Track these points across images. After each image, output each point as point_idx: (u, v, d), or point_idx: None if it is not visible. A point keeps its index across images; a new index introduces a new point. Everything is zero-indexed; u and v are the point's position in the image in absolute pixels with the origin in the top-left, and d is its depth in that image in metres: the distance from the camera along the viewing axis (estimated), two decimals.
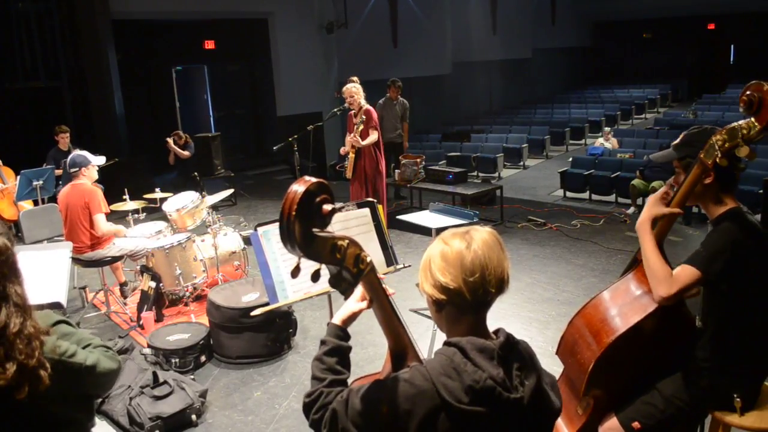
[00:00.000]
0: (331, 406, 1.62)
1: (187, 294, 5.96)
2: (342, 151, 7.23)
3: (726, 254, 2.31)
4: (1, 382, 1.54)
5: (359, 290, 1.82)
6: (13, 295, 1.62)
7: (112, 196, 6.67)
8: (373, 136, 6.90)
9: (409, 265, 3.93)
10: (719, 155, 2.30)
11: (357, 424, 1.57)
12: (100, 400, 4.21)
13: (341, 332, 1.79)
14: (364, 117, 6.85)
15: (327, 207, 1.51)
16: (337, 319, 1.81)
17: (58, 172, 8.38)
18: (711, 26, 25.25)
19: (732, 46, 26.06)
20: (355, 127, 6.88)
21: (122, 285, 6.33)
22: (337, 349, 1.75)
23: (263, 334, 4.90)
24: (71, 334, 1.86)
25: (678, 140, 2.59)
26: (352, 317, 1.82)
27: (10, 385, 1.55)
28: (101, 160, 5.89)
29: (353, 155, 6.99)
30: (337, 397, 1.64)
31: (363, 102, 6.97)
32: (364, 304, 1.81)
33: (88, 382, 1.75)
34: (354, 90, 6.91)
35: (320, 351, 1.77)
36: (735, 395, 2.44)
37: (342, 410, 1.60)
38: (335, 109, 7.36)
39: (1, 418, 1.61)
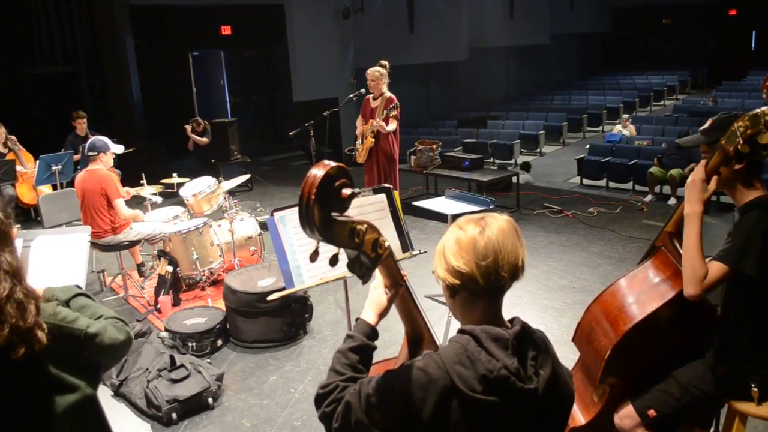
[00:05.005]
0: (344, 399, 1.61)
1: (204, 278, 6.00)
2: (358, 132, 7.17)
3: (757, 244, 2.28)
4: None
5: (380, 279, 1.81)
6: (3, 262, 1.68)
7: (129, 181, 6.71)
8: (393, 125, 6.85)
9: (425, 251, 3.92)
10: (741, 142, 2.27)
11: (371, 414, 1.56)
12: (118, 382, 4.27)
13: (371, 331, 1.76)
14: (394, 108, 6.74)
15: (346, 191, 1.51)
16: (371, 317, 1.78)
17: (76, 157, 8.44)
18: (732, 12, 24.87)
19: (753, 32, 25.67)
20: (379, 112, 6.82)
21: (139, 266, 6.39)
22: (363, 348, 1.73)
23: (279, 319, 4.93)
24: (87, 306, 1.91)
25: (707, 125, 2.56)
26: (385, 312, 1.80)
27: (5, 345, 1.61)
28: (119, 148, 5.92)
29: (371, 139, 6.95)
30: (350, 390, 1.62)
31: (385, 89, 6.90)
32: (388, 294, 1.80)
33: (91, 349, 1.79)
34: (378, 74, 6.83)
35: (345, 345, 1.73)
36: (752, 385, 2.42)
37: (356, 402, 1.58)
38: (351, 95, 7.32)
39: (1, 380, 1.66)
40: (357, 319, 1.81)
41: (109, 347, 1.82)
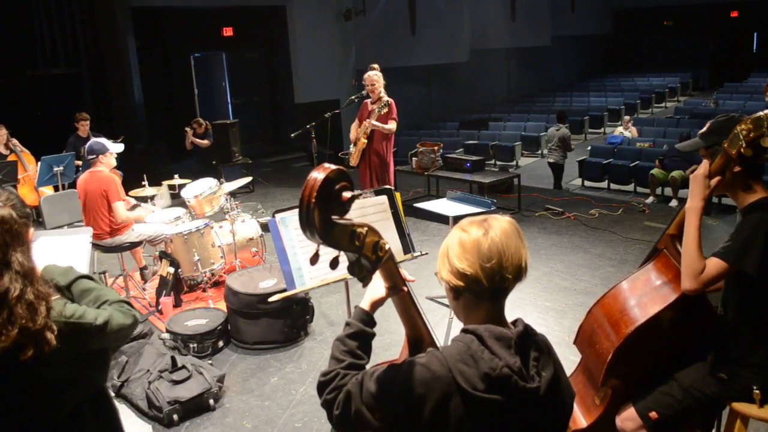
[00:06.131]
0: (345, 388, 1.63)
1: (205, 280, 6.01)
2: (352, 137, 7.18)
3: (758, 245, 2.29)
4: (4, 343, 1.60)
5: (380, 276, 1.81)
6: (15, 263, 1.68)
7: (131, 183, 6.71)
8: (391, 125, 6.84)
9: (426, 253, 3.93)
10: (744, 145, 2.27)
11: (370, 406, 1.57)
12: (119, 383, 4.27)
13: (366, 317, 1.78)
14: (386, 107, 6.78)
15: (346, 194, 1.51)
16: (366, 304, 1.80)
17: (78, 162, 8.44)
18: (734, 14, 24.84)
19: (755, 34, 25.66)
20: (373, 112, 6.83)
21: (142, 269, 6.39)
22: (360, 334, 1.74)
23: (280, 320, 4.93)
24: (90, 290, 1.92)
25: (704, 129, 2.58)
26: (380, 302, 1.81)
27: (13, 347, 1.61)
28: (120, 147, 5.92)
29: (364, 140, 6.94)
30: (352, 379, 1.64)
31: (383, 92, 6.90)
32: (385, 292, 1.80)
33: (100, 339, 1.80)
34: (375, 78, 6.84)
35: (343, 332, 1.76)
36: (754, 387, 2.42)
37: (356, 392, 1.60)
38: (353, 97, 7.32)
39: (8, 380, 1.66)
40: (356, 307, 1.82)
41: (117, 333, 1.84)
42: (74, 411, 1.78)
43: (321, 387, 1.69)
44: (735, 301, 2.46)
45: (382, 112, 6.78)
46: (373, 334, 1.78)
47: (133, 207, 5.98)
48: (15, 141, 8.68)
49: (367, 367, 1.74)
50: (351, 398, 1.60)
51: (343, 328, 1.78)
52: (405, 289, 1.81)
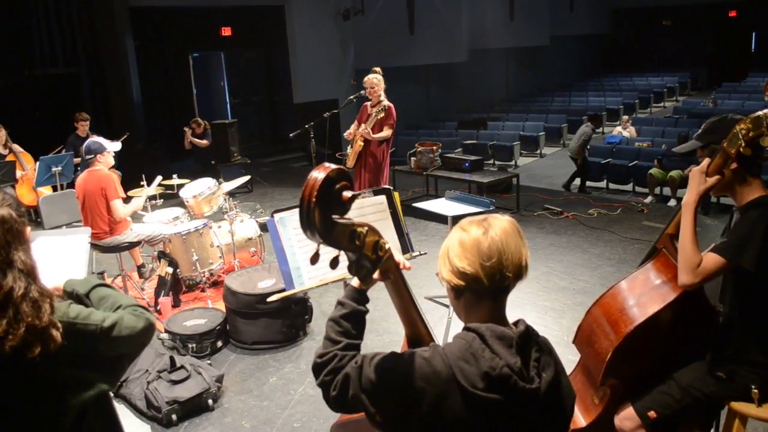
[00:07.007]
0: (344, 371, 1.63)
1: (204, 280, 6.00)
2: (347, 135, 7.16)
3: (757, 241, 2.29)
4: (13, 342, 1.60)
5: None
6: (17, 261, 1.68)
7: (129, 182, 6.70)
8: (386, 133, 6.83)
9: (425, 253, 3.92)
10: (743, 144, 2.28)
11: (368, 392, 1.58)
12: (118, 383, 4.26)
13: (359, 295, 1.76)
14: (383, 111, 6.78)
15: (347, 194, 1.51)
16: (356, 282, 1.78)
17: (77, 159, 8.43)
18: (732, 13, 24.87)
19: (753, 33, 25.68)
20: (370, 117, 6.82)
21: (140, 267, 6.39)
22: (354, 314, 1.73)
23: (279, 320, 4.92)
24: (107, 297, 1.93)
25: (699, 130, 2.60)
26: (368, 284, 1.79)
27: (20, 345, 1.60)
28: (117, 146, 5.91)
29: (361, 143, 6.94)
30: (351, 362, 1.64)
31: (383, 95, 6.88)
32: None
33: (107, 343, 1.78)
34: (375, 81, 6.82)
35: (337, 312, 1.74)
36: (753, 386, 2.42)
37: (355, 376, 1.60)
38: (351, 97, 7.31)
39: (15, 379, 1.66)
40: (346, 285, 1.81)
41: (128, 337, 1.81)
42: (79, 415, 1.77)
43: (318, 368, 1.68)
44: (731, 298, 2.47)
45: (379, 117, 6.76)
46: (367, 311, 1.77)
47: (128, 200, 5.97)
48: (14, 145, 8.66)
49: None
50: (349, 382, 1.61)
51: (335, 307, 1.77)
52: (404, 288, 1.80)
